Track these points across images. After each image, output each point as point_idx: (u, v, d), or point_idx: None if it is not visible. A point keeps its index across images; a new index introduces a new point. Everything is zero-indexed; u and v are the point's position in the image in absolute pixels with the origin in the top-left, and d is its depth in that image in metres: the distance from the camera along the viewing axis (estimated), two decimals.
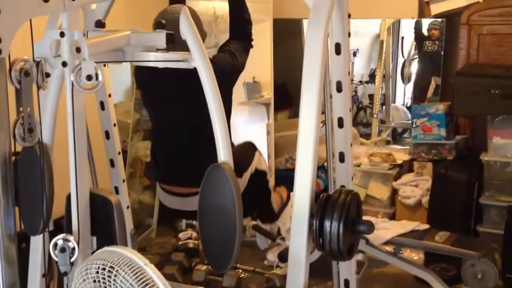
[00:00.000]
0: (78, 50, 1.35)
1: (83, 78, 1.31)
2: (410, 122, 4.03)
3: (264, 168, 2.65)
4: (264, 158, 2.79)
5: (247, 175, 2.49)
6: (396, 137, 5.52)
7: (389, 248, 3.30)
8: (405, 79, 5.61)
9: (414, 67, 5.20)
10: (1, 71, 1.16)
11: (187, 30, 1.49)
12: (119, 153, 2.10)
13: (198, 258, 3.37)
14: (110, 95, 2.05)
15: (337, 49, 1.74)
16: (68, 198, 1.46)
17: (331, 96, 1.84)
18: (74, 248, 1.39)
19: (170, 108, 2.37)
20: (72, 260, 1.39)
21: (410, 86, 5.56)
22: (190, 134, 2.34)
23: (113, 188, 2.13)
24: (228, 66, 2.32)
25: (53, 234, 1.48)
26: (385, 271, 3.45)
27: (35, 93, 1.34)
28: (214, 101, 1.47)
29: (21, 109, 1.26)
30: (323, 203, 1.47)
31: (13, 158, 1.61)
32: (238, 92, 4.05)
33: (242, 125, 4.28)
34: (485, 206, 3.42)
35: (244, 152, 2.58)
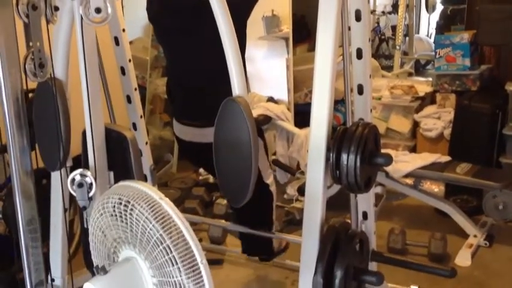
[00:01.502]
0: None
1: (91, 11, 1.27)
2: (434, 53, 3.91)
3: (268, 182, 2.51)
4: (271, 171, 2.63)
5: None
6: (419, 68, 5.41)
7: (409, 181, 3.29)
8: (429, 8, 5.43)
9: None
10: (8, 4, 1.14)
11: None
12: (135, 89, 2.08)
13: (219, 193, 3.42)
14: (123, 30, 2.00)
15: None
16: (84, 134, 1.46)
17: (349, 29, 1.78)
18: (91, 183, 1.40)
19: (184, 41, 2.31)
20: (90, 194, 1.40)
21: (435, 16, 5.38)
22: (206, 68, 2.30)
23: (131, 124, 2.13)
24: None
25: (72, 170, 1.50)
26: (404, 204, 3.46)
27: (46, 29, 1.32)
28: (227, 34, 1.42)
29: (31, 44, 1.24)
30: (340, 136, 1.45)
31: (30, 95, 1.63)
32: (257, 26, 3.96)
33: (261, 60, 4.22)
34: (508, 136, 3.37)
35: None
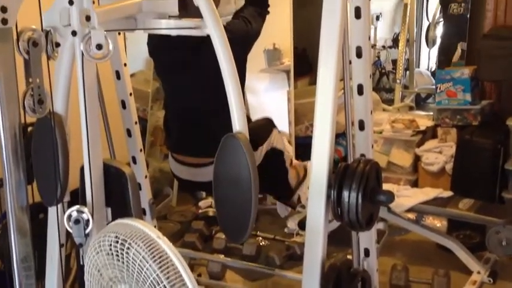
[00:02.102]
0: (88, 18, 1.31)
1: (92, 48, 1.27)
2: (434, 87, 3.92)
3: (280, 147, 2.59)
4: (282, 137, 2.73)
5: (262, 149, 2.45)
6: (420, 102, 5.42)
7: (411, 216, 3.26)
8: (430, 43, 5.47)
9: (439, 31, 5.06)
10: (8, 41, 1.14)
11: None
12: (136, 122, 2.08)
13: (218, 227, 3.38)
14: (125, 64, 2.01)
15: (357, 13, 1.67)
16: (82, 169, 1.45)
17: (350, 62, 1.78)
18: (88, 220, 1.38)
19: (182, 77, 2.32)
20: (87, 231, 1.38)
21: (435, 50, 5.43)
22: (203, 103, 2.30)
23: (131, 158, 2.12)
24: (242, 33, 2.26)
25: (70, 206, 1.48)
26: (407, 239, 3.42)
27: (46, 64, 1.32)
28: (228, 69, 1.42)
29: (30, 80, 1.23)
30: (341, 173, 1.44)
31: (29, 128, 1.62)
32: (259, 59, 3.99)
33: (263, 93, 4.23)
34: (510, 171, 3.34)
35: (261, 127, 2.53)
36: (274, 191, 2.72)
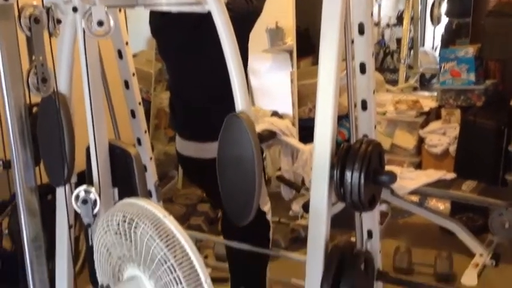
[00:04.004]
0: None
1: (94, 24, 1.27)
2: (438, 66, 3.90)
3: (265, 209, 2.41)
4: (268, 200, 2.50)
5: None
6: (424, 83, 5.39)
7: (414, 198, 3.27)
8: (434, 21, 5.41)
9: (444, 7, 4.99)
10: (10, 17, 1.14)
11: None
12: (140, 103, 2.07)
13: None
14: (127, 43, 1.99)
15: None
16: (88, 150, 1.45)
17: (352, 42, 1.77)
18: (95, 200, 1.39)
19: (184, 56, 2.31)
20: (94, 211, 1.40)
21: (440, 28, 5.36)
22: (206, 84, 2.29)
23: (135, 140, 2.12)
24: (244, 10, 2.23)
25: (77, 186, 1.49)
26: (409, 221, 3.43)
27: (49, 43, 1.32)
28: (230, 48, 1.40)
29: (33, 58, 1.24)
30: (344, 154, 1.44)
31: (34, 109, 1.63)
32: (261, 38, 3.96)
33: (265, 74, 4.21)
34: None
35: None
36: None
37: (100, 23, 1.26)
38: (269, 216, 2.46)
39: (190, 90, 2.36)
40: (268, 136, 3.10)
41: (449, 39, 4.44)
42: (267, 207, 2.44)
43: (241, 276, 2.61)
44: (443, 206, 3.50)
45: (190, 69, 2.31)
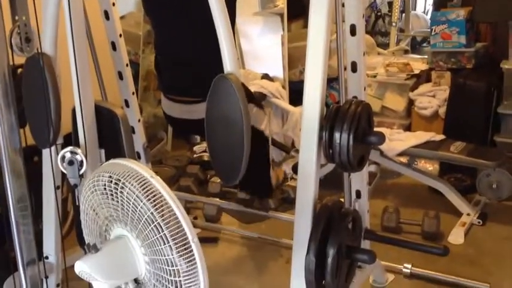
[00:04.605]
0: None
1: None
2: (429, 30, 3.88)
3: (262, 128, 2.48)
4: (264, 115, 2.59)
5: None
6: (415, 46, 5.37)
7: (403, 160, 3.29)
8: None
9: None
10: None
11: None
12: (127, 65, 2.04)
13: (213, 171, 3.41)
14: (113, 4, 1.96)
15: None
16: (74, 111, 1.44)
17: (343, 5, 1.75)
18: (82, 161, 1.39)
19: (171, 17, 2.27)
20: (81, 172, 1.40)
21: None
22: (193, 44, 2.27)
23: (123, 101, 2.10)
24: None
25: (64, 148, 1.48)
26: (398, 182, 3.46)
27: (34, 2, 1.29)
28: (219, 10, 1.39)
29: (16, 18, 1.21)
30: (333, 115, 1.44)
31: (18, 70, 1.61)
32: (252, 1, 3.90)
33: (256, 37, 4.17)
34: (503, 115, 3.35)
35: None
36: (253, 185, 2.58)
37: None
38: (267, 133, 2.51)
39: (177, 48, 2.33)
40: (259, 98, 3.09)
41: (441, 2, 4.39)
42: (263, 125, 2.46)
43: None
44: (432, 167, 3.53)
45: (177, 27, 2.28)
